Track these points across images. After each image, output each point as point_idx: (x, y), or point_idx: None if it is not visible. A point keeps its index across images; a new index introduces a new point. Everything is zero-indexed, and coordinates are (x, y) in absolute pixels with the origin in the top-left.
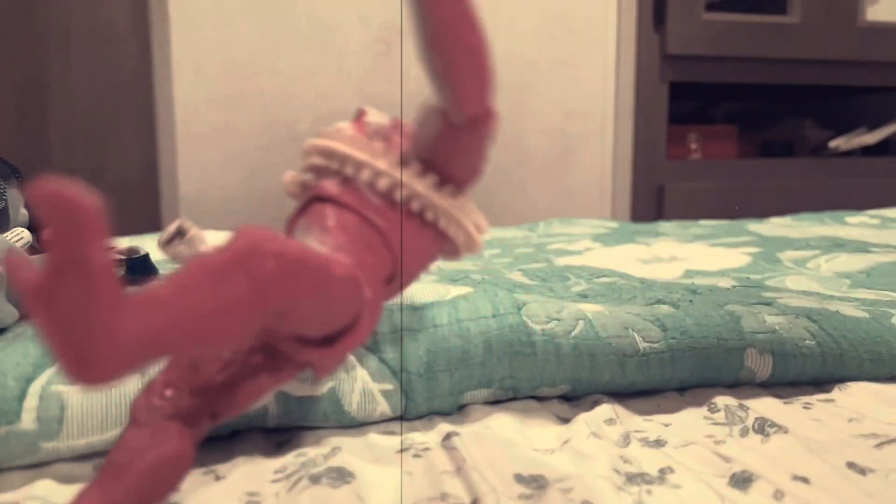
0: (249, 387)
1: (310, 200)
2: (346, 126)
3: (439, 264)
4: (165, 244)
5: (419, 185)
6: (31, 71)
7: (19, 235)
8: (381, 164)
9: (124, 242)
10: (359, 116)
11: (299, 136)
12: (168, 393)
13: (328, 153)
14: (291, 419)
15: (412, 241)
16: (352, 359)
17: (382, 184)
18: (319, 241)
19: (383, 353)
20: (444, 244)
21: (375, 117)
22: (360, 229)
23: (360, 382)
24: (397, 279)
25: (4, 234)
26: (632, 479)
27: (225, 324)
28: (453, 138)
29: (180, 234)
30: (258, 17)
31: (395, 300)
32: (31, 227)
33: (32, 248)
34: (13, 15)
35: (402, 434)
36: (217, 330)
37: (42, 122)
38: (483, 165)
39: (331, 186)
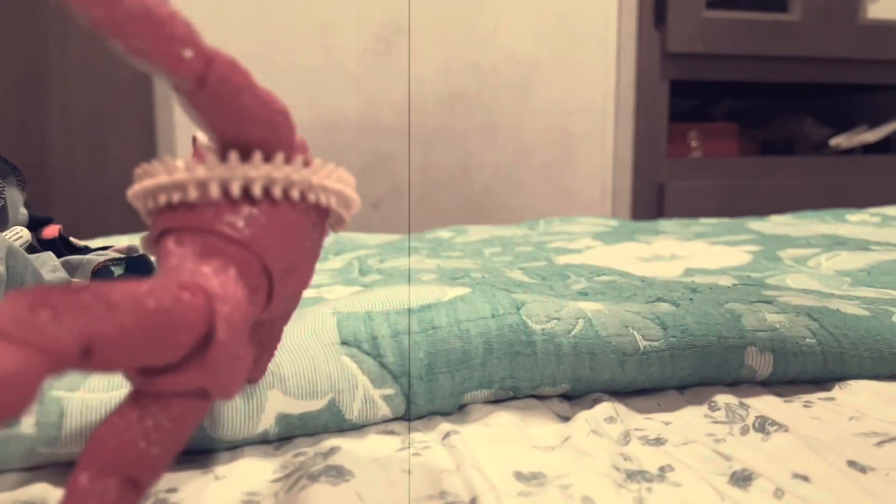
0: (160, 443)
1: (157, 243)
2: (167, 160)
3: (439, 263)
4: (148, 246)
5: (248, 170)
6: (31, 70)
7: (18, 234)
8: (201, 173)
9: (123, 241)
10: (193, 143)
11: (299, 134)
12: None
13: (149, 194)
14: (292, 434)
15: (274, 225)
16: (353, 367)
17: (213, 190)
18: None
19: (384, 357)
20: (319, 213)
21: (205, 137)
22: (200, 244)
23: (361, 391)
24: (284, 270)
25: (4, 233)
26: (632, 476)
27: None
28: (206, 103)
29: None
30: (257, 16)
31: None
32: (31, 226)
33: (31, 247)
34: (13, 14)
35: (409, 434)
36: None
37: (42, 122)
38: (267, 104)
39: (163, 219)
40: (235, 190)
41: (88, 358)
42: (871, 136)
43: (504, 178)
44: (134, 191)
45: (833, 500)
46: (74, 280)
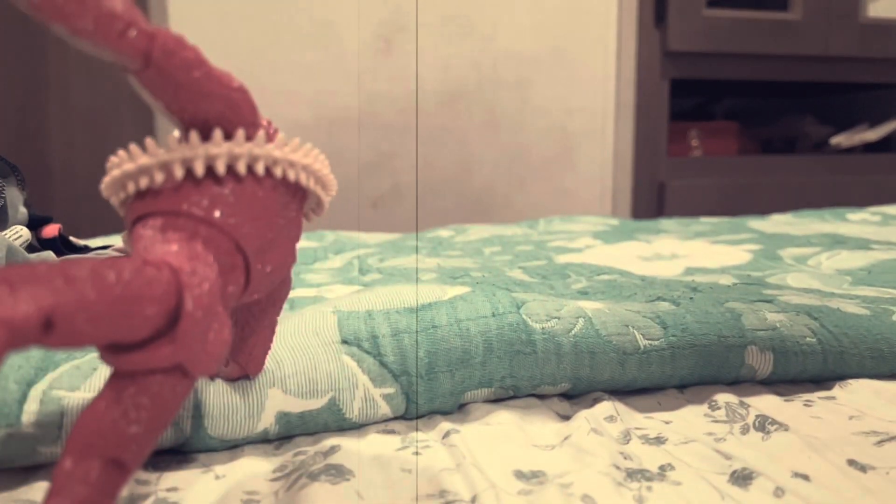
0: (142, 423)
1: (130, 233)
2: (132, 148)
3: (439, 263)
4: (127, 242)
5: (210, 148)
6: (31, 70)
7: (18, 233)
8: (164, 156)
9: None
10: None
11: (299, 133)
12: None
13: (118, 183)
14: (292, 433)
15: (243, 202)
16: (353, 365)
17: (177, 172)
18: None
19: (384, 356)
20: (292, 189)
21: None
22: (169, 226)
23: (361, 390)
24: (259, 248)
25: (3, 232)
26: (632, 475)
27: None
28: (154, 81)
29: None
30: (258, 14)
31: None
32: (30, 225)
33: (31, 247)
34: (12, 13)
35: (416, 433)
36: None
37: (41, 121)
38: (219, 78)
39: (133, 207)
40: (199, 169)
41: (50, 332)
42: (872, 134)
43: (504, 177)
44: (105, 183)
45: (833, 499)
46: None
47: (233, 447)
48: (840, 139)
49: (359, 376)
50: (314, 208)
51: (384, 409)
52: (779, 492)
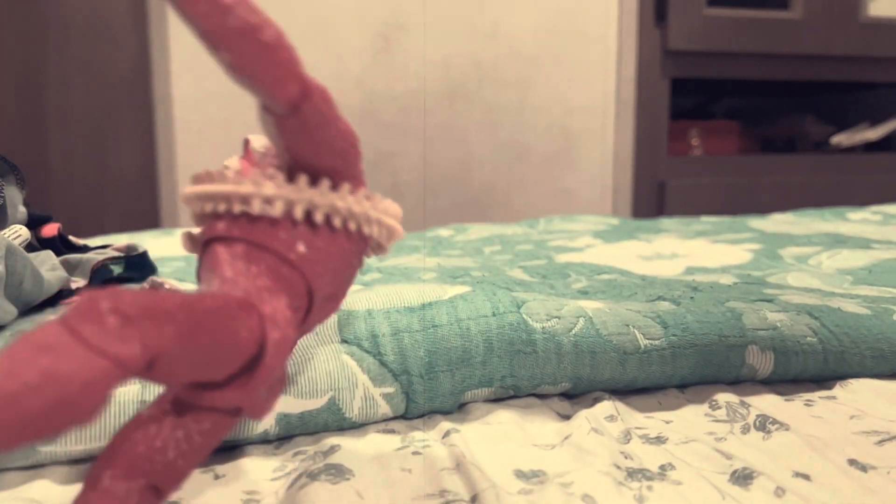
0: (187, 455)
1: (205, 245)
2: (232, 161)
3: (439, 262)
4: (191, 244)
5: (315, 196)
6: (30, 68)
7: (17, 232)
8: (269, 190)
9: (122, 240)
10: (245, 146)
11: None
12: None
13: (209, 198)
14: (292, 433)
15: (327, 252)
16: (353, 365)
17: (277, 208)
18: (216, 285)
19: (384, 355)
20: (364, 244)
21: (260, 142)
22: (255, 258)
23: (361, 389)
24: (326, 296)
25: (3, 231)
26: (632, 474)
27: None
28: (293, 129)
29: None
30: None
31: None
32: (30, 225)
33: (30, 246)
34: (11, 12)
35: (424, 430)
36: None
37: (40, 120)
38: (345, 135)
39: (219, 226)
40: (299, 213)
41: (151, 370)
42: (873, 133)
43: (504, 176)
44: (193, 192)
45: (834, 498)
46: (73, 279)
47: (232, 447)
48: (840, 138)
49: (359, 376)
50: (374, 248)
51: (384, 409)
52: (779, 491)
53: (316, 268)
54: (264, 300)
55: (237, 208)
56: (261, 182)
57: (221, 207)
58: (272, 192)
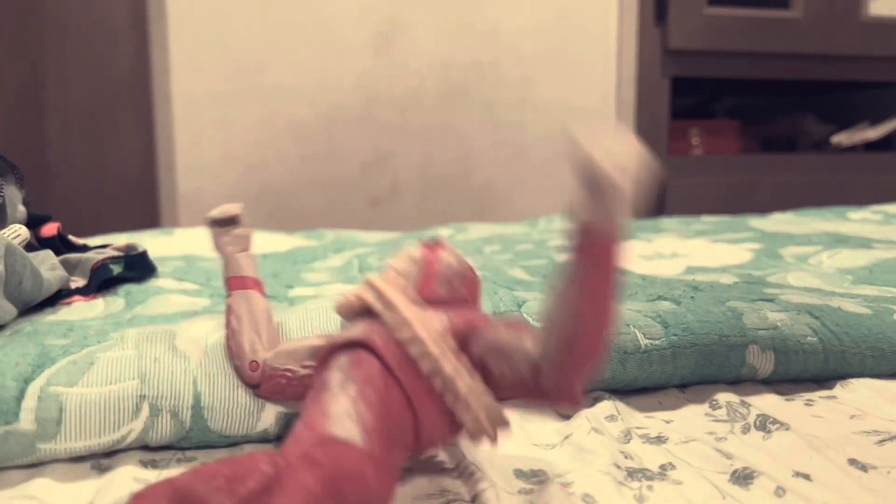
0: None
1: (355, 342)
2: (417, 256)
3: None
4: (213, 223)
5: (447, 367)
6: (29, 67)
7: (17, 232)
8: (434, 349)
9: (122, 239)
10: (433, 247)
11: (298, 131)
12: None
13: (388, 306)
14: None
15: (434, 411)
16: None
17: (425, 364)
18: (354, 401)
19: None
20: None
21: (449, 257)
22: (392, 391)
23: None
24: (421, 441)
25: (2, 231)
26: (632, 474)
27: None
28: (529, 392)
29: (233, 222)
30: (257, 11)
31: None
32: (29, 224)
33: (30, 245)
34: (10, 11)
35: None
36: None
37: (40, 120)
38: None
39: (380, 342)
40: (437, 385)
41: None
42: (873, 133)
43: (504, 175)
44: (346, 306)
45: (834, 498)
46: (73, 278)
47: (232, 444)
48: (841, 138)
49: None
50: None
51: None
52: (780, 491)
53: (427, 428)
54: (385, 441)
55: (403, 335)
56: (432, 330)
57: (388, 320)
58: (432, 351)
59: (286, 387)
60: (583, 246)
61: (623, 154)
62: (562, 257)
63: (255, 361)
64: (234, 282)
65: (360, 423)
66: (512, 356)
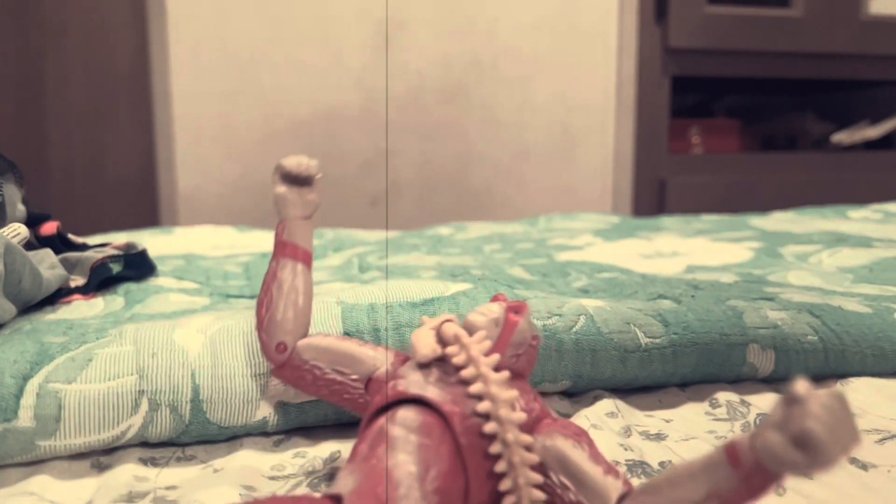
0: None
1: (417, 398)
2: (500, 319)
3: (439, 260)
4: (285, 177)
5: (516, 451)
6: (28, 65)
7: (16, 231)
8: (509, 432)
9: (122, 238)
10: (518, 311)
11: (298, 130)
12: None
13: (483, 379)
14: (290, 425)
15: (486, 497)
16: None
17: (489, 427)
18: (421, 480)
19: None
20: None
21: (525, 324)
22: (456, 470)
23: None
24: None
25: (2, 230)
26: (632, 469)
27: None
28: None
29: (308, 182)
30: (256, 10)
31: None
32: (29, 223)
33: (29, 244)
34: (9, 9)
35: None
36: None
37: (39, 117)
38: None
39: (458, 419)
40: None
41: None
42: (874, 132)
43: (504, 174)
44: (428, 352)
45: (834, 496)
46: (72, 277)
47: (232, 437)
48: (841, 136)
49: None
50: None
51: None
52: (780, 490)
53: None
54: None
55: (483, 409)
56: (510, 401)
57: (471, 391)
58: (505, 422)
59: (309, 384)
60: (744, 463)
61: (847, 442)
62: (711, 454)
63: (283, 343)
64: (287, 248)
65: (424, 500)
66: (581, 482)
